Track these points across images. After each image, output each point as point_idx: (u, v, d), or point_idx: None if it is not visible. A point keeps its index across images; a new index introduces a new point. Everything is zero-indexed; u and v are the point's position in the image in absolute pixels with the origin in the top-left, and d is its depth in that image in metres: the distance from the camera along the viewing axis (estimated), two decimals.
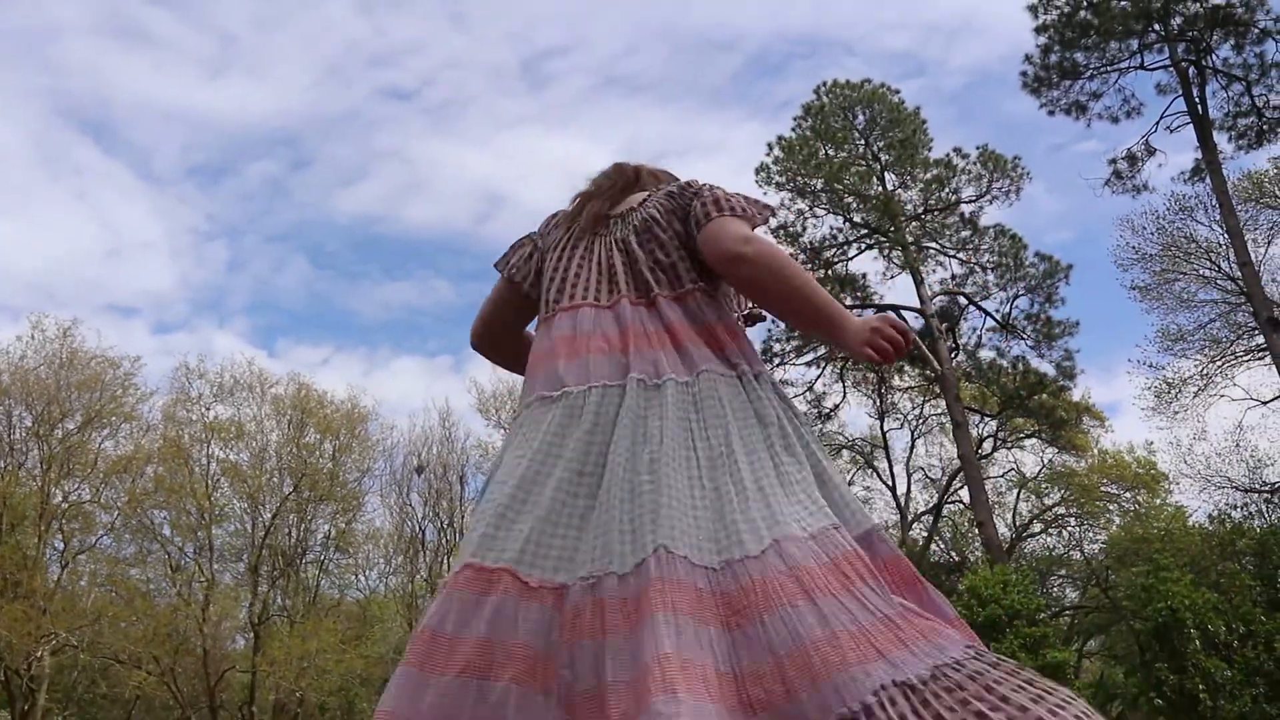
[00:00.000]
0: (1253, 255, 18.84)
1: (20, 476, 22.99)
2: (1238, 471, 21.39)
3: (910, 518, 27.31)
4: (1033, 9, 19.16)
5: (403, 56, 46.47)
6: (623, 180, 1.87)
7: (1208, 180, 18.98)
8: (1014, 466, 26.91)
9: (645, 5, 48.99)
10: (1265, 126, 18.56)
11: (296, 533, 26.56)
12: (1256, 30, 17.89)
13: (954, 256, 21.87)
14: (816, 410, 23.25)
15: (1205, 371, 21.66)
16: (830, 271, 21.56)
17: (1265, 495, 19.90)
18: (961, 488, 24.26)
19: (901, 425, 27.73)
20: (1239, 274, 19.01)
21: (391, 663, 23.12)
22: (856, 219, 21.94)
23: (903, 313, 21.69)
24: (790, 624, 1.23)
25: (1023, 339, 21.11)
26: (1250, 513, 18.31)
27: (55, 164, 41.73)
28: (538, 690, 1.29)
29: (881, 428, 26.96)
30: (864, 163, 21.99)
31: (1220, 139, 18.71)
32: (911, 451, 28.03)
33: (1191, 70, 18.66)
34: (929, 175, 21.65)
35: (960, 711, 1.16)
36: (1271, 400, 20.96)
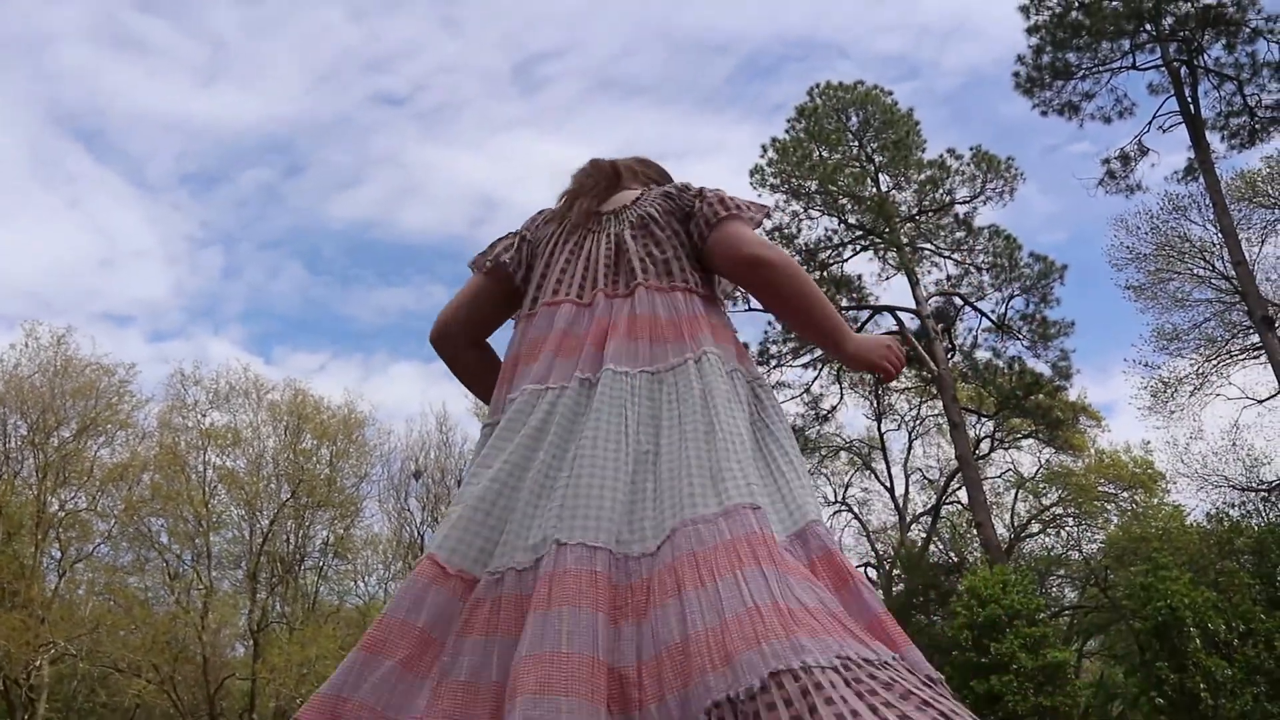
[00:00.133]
0: (1246, 254, 18.90)
1: (16, 485, 22.94)
2: (1235, 470, 21.46)
3: (909, 519, 27.32)
4: (1024, 9, 19.24)
5: (396, 61, 46.56)
6: (604, 176, 1.87)
7: (1201, 180, 19.03)
8: (1011, 467, 26.98)
9: (639, 8, 49.12)
10: (1258, 126, 18.64)
11: (294, 539, 26.55)
12: (1248, 30, 17.97)
13: (949, 257, 21.91)
14: (814, 412, 23.28)
15: (1201, 370, 21.74)
16: (826, 273, 21.58)
17: (1262, 494, 19.95)
18: (959, 488, 24.29)
19: (899, 426, 27.79)
20: (1233, 273, 19.07)
21: None
22: (851, 220, 21.97)
23: (899, 314, 21.76)
24: (660, 621, 1.21)
25: (1018, 339, 21.14)
26: (1248, 511, 18.37)
27: (49, 172, 41.73)
28: (418, 675, 1.29)
29: (879, 429, 27.01)
30: (858, 164, 22.02)
31: (1213, 138, 18.79)
32: (909, 452, 28.09)
33: (1183, 70, 18.72)
34: (923, 176, 21.69)
35: None
36: (1268, 399, 21.01)
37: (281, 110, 44.36)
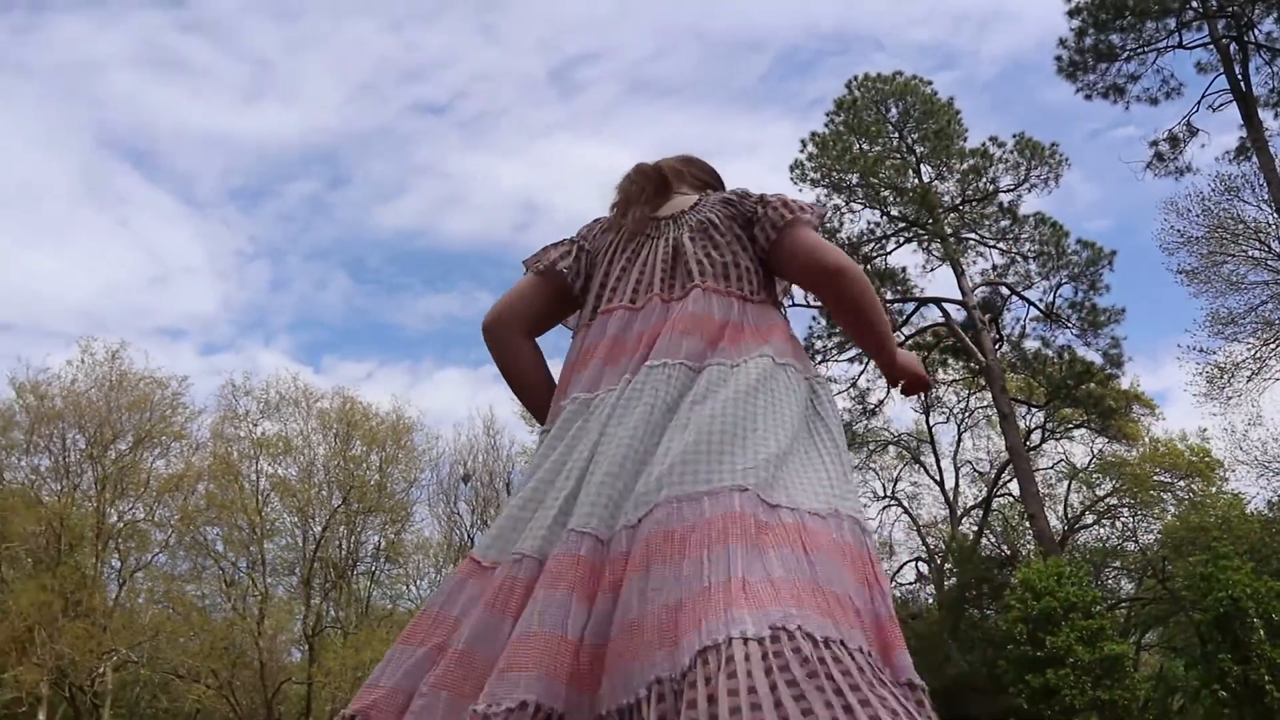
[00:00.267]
0: None
1: (76, 498, 23.48)
2: None
3: (960, 512, 27.02)
4: None
5: (434, 71, 46.92)
6: (652, 182, 1.87)
7: (1254, 159, 18.58)
8: (1063, 457, 26.55)
9: (672, 8, 49.08)
10: None
11: (347, 544, 26.88)
12: None
13: (994, 247, 21.63)
14: (861, 406, 23.08)
15: (1258, 355, 21.17)
16: (869, 266, 21.39)
17: None
18: (1010, 480, 23.96)
19: (947, 419, 27.46)
20: None
21: None
22: (894, 212, 21.76)
23: (944, 305, 21.51)
24: (625, 597, 1.23)
25: (1068, 328, 20.81)
26: None
27: (100, 193, 42.71)
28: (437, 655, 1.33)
29: (927, 422, 26.73)
30: (899, 155, 21.81)
31: (1265, 116, 18.34)
32: (958, 445, 27.77)
33: (1233, 46, 18.29)
34: (965, 165, 21.42)
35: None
36: None
37: (324, 123, 45.00)
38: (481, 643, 1.27)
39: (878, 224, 21.89)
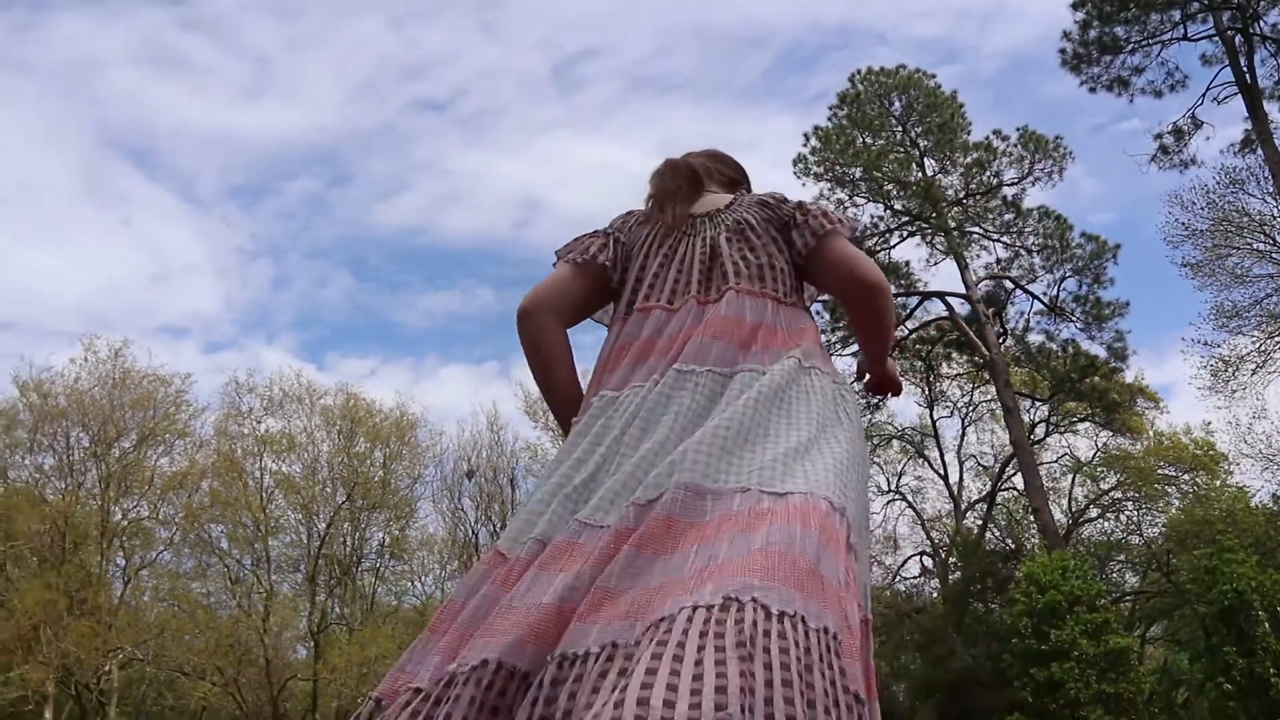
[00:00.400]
0: None
1: (80, 496, 23.52)
2: None
3: (964, 506, 27.00)
4: None
5: (434, 68, 46.89)
6: (685, 178, 1.88)
7: (1259, 151, 18.51)
8: (1068, 451, 26.54)
9: (673, 5, 48.97)
10: None
11: (351, 541, 26.91)
12: None
13: (998, 240, 21.58)
14: (865, 400, 23.05)
15: (1263, 348, 21.10)
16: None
17: None
18: (1015, 474, 23.93)
19: (951, 413, 27.45)
20: None
21: None
22: (897, 206, 21.72)
23: (948, 299, 21.47)
24: (613, 564, 1.26)
25: (1072, 321, 20.77)
26: None
27: (101, 192, 42.71)
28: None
29: (931, 416, 26.70)
30: (902, 149, 21.76)
31: (1271, 108, 18.28)
32: (963, 439, 27.75)
33: (1238, 38, 18.21)
34: (969, 159, 21.37)
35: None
36: None
37: (324, 120, 44.96)
38: (479, 616, 1.31)
39: (881, 218, 21.85)
